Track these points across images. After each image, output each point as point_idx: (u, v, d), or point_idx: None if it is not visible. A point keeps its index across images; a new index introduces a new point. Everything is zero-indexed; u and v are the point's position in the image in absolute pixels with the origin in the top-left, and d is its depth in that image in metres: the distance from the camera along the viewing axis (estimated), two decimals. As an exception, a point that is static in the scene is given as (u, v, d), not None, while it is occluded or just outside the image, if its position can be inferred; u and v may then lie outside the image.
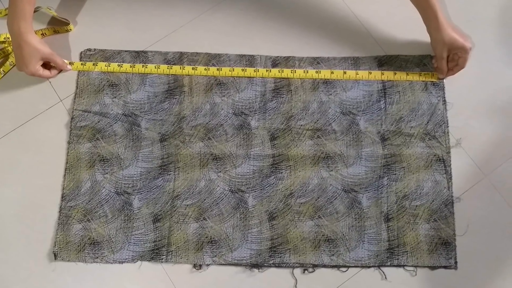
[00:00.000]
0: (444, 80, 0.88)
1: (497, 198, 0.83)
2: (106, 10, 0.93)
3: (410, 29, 0.92)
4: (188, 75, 0.87)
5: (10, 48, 0.90)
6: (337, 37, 0.92)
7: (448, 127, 0.86)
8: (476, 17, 0.93)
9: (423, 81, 0.87)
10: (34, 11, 0.83)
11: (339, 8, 0.94)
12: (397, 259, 0.79)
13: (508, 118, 0.87)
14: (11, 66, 0.88)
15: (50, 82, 0.89)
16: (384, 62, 0.89)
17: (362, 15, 0.93)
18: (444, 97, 0.87)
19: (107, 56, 0.90)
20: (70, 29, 0.92)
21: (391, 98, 0.87)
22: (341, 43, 0.91)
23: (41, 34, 0.90)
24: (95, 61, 0.89)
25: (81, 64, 0.89)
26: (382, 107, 0.87)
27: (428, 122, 0.86)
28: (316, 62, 0.89)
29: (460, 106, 0.87)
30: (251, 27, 0.92)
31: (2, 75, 0.87)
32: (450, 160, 0.84)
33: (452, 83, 0.88)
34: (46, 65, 0.87)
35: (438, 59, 0.86)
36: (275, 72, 0.87)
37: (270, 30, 0.92)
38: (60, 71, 0.89)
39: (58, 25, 0.91)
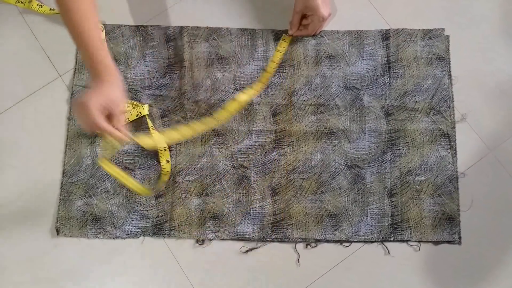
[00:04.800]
0: (450, 55, 0.86)
1: (502, 173, 0.82)
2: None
3: (414, 2, 0.90)
4: None
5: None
6: (341, 10, 0.90)
7: (453, 101, 0.84)
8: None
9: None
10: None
11: (342, -20, 0.91)
12: (401, 234, 0.79)
13: (515, 92, 0.85)
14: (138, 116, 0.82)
15: (49, 57, 0.88)
16: (388, 36, 0.87)
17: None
18: (450, 72, 0.86)
19: (107, 30, 0.88)
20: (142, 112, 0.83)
21: (395, 72, 0.86)
22: (345, 16, 0.89)
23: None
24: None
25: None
26: (387, 81, 0.85)
27: (433, 97, 0.84)
28: (319, 35, 0.87)
29: (465, 81, 0.86)
30: (253, 0, 0.90)
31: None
32: (455, 135, 0.83)
33: (458, 58, 0.86)
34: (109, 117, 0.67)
35: (294, 11, 0.83)
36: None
37: (272, 3, 0.90)
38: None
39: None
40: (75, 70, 0.87)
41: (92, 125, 0.64)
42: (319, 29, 0.86)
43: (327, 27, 0.88)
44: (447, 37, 0.87)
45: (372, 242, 0.79)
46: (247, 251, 0.79)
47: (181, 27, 0.88)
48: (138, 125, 0.84)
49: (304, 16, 0.84)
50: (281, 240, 0.79)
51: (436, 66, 0.86)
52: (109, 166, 0.74)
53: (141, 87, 0.86)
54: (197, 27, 0.88)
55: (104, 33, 0.87)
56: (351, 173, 0.82)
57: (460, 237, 0.79)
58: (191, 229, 0.80)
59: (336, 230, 0.79)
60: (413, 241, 0.79)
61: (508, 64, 0.87)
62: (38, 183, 0.82)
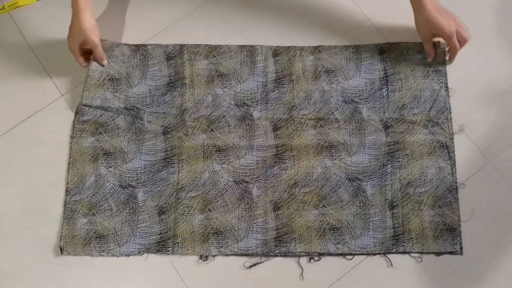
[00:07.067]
0: (446, 67, 0.88)
1: (501, 183, 0.83)
2: (105, 2, 0.93)
3: (411, 16, 0.91)
4: None
5: None
6: (338, 25, 0.91)
7: (451, 113, 0.86)
8: (477, 4, 0.92)
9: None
10: None
11: (339, -4, 0.93)
12: (403, 246, 0.80)
13: (511, 102, 0.87)
14: None
15: (51, 77, 0.89)
16: (385, 49, 0.89)
17: (362, 3, 0.92)
18: (447, 84, 0.87)
19: (106, 48, 0.89)
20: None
21: (393, 85, 0.87)
22: (342, 31, 0.90)
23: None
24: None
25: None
26: (385, 94, 0.87)
27: (430, 109, 0.86)
28: (317, 51, 0.89)
29: (462, 92, 0.87)
30: (252, 17, 0.92)
31: None
32: (453, 146, 0.84)
33: (455, 69, 0.88)
34: (89, 53, 0.87)
35: (423, 41, 0.87)
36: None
37: (270, 20, 0.92)
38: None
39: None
40: (84, 88, 0.87)
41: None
42: (463, 43, 0.85)
43: (326, 42, 0.89)
44: (443, 49, 0.89)
45: (375, 254, 0.80)
46: (250, 266, 0.80)
47: (181, 45, 0.89)
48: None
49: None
50: (285, 255, 0.80)
51: (433, 78, 0.87)
52: None
53: (142, 105, 0.87)
54: (197, 44, 0.89)
55: None
56: (352, 186, 0.82)
57: (461, 248, 0.80)
58: (195, 245, 0.80)
59: (338, 243, 0.80)
60: (415, 252, 0.80)
61: (504, 75, 0.88)
62: (41, 202, 0.83)
